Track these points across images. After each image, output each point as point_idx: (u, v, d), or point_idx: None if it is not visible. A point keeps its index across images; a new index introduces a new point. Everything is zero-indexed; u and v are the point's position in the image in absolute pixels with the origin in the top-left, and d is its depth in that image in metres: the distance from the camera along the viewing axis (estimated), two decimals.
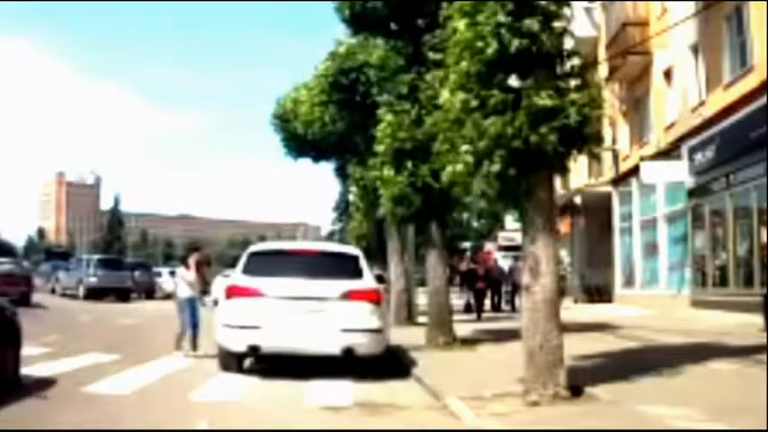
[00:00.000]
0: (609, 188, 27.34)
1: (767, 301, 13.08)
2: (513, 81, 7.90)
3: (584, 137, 7.94)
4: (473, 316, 22.46)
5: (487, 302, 25.24)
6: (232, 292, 10.85)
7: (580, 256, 30.47)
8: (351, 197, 32.66)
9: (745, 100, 17.11)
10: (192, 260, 13.28)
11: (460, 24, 7.98)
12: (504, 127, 7.61)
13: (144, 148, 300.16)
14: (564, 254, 29.26)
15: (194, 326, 12.65)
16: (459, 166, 8.01)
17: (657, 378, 8.95)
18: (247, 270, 11.03)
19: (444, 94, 8.32)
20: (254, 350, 10.48)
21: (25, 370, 9.67)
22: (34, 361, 10.69)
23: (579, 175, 28.08)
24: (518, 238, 19.71)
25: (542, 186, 8.05)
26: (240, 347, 10.54)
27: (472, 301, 23.83)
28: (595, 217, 28.74)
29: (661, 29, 20.68)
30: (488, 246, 45.88)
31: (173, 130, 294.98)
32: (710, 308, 18.73)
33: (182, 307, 12.78)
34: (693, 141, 20.07)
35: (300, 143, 25.13)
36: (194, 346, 12.60)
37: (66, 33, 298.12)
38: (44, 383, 8.91)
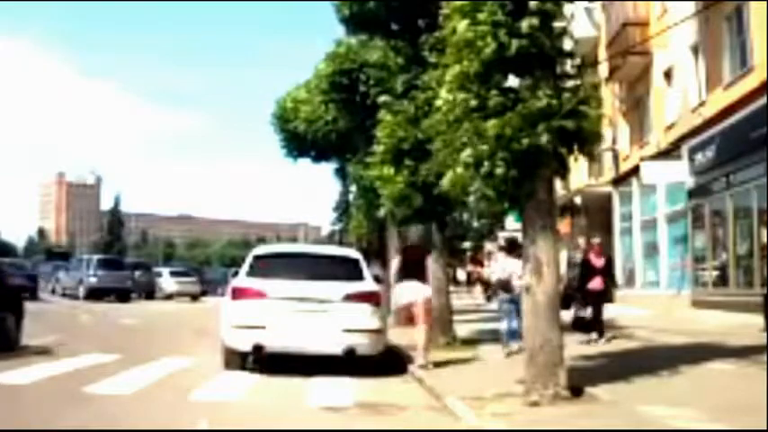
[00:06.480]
0: (609, 188, 27.33)
1: (767, 301, 13.09)
2: (513, 82, 7.90)
3: (583, 137, 7.93)
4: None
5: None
6: (238, 293, 11.08)
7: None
8: (351, 197, 32.65)
9: (745, 100, 17.11)
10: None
11: (459, 24, 7.97)
12: (504, 128, 7.60)
13: (144, 147, 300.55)
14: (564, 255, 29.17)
15: None
16: (459, 168, 8.00)
17: (658, 378, 8.96)
18: (252, 272, 11.29)
19: (442, 95, 8.30)
20: (258, 349, 10.69)
21: (24, 370, 9.71)
22: (34, 361, 10.71)
23: (579, 175, 28.05)
24: (518, 238, 19.61)
25: (543, 187, 8.03)
26: (246, 347, 10.77)
27: (583, 313, 14.64)
28: (595, 217, 28.69)
29: (661, 29, 20.68)
30: (489, 247, 45.55)
31: (173, 130, 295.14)
32: (711, 308, 18.72)
33: None
34: (693, 141, 20.08)
35: (300, 143, 25.11)
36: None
37: (65, 33, 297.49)
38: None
